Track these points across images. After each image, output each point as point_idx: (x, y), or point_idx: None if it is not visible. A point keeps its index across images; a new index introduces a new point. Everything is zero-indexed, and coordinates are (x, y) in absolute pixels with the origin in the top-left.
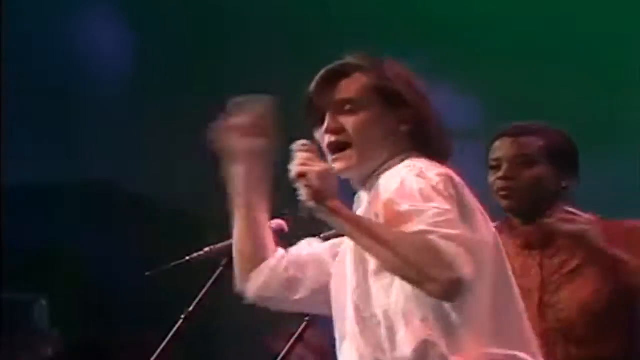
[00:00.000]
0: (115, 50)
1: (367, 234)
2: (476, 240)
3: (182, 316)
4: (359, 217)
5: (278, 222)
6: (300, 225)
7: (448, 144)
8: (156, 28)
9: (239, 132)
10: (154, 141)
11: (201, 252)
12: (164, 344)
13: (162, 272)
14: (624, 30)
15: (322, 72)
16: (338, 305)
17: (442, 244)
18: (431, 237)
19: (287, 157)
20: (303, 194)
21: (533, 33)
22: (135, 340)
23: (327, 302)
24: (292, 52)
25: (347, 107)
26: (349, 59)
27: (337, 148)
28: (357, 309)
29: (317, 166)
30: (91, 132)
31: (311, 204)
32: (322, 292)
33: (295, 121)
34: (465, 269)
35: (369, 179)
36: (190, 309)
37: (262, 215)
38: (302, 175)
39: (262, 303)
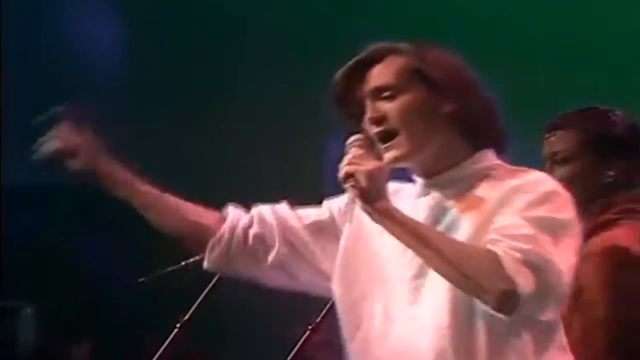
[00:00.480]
0: (110, 47)
1: (422, 240)
2: (549, 259)
3: (178, 325)
4: (414, 220)
5: None
6: None
7: (501, 138)
8: (151, 29)
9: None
10: (149, 141)
11: (197, 257)
12: (159, 352)
13: (157, 277)
14: (635, 29)
15: (351, 63)
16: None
17: (503, 254)
18: (494, 247)
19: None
20: (350, 195)
21: (547, 31)
22: (134, 345)
23: (292, 279)
24: (291, 49)
25: (385, 93)
26: (379, 44)
27: (385, 138)
28: (454, 313)
29: (366, 165)
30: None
31: (360, 205)
32: (286, 267)
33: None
34: (522, 281)
35: (445, 173)
36: (187, 317)
37: (154, 193)
38: (349, 176)
39: (225, 272)
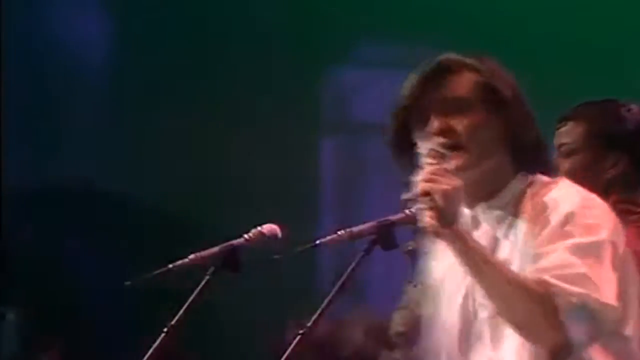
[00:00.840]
0: (97, 45)
1: (489, 271)
2: (604, 302)
3: (164, 330)
4: (483, 249)
5: (270, 227)
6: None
7: (548, 159)
8: (147, 29)
9: None
10: (138, 139)
11: (185, 260)
12: (147, 356)
13: (143, 281)
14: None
15: (425, 69)
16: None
17: (560, 301)
18: (551, 290)
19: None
20: (426, 214)
21: (549, 32)
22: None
23: None
24: (286, 45)
25: (457, 106)
26: (452, 55)
27: (448, 149)
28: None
29: (445, 183)
30: (70, 129)
31: (434, 226)
32: None
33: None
34: (577, 330)
35: (491, 201)
36: (173, 322)
37: None
38: (426, 194)
39: None
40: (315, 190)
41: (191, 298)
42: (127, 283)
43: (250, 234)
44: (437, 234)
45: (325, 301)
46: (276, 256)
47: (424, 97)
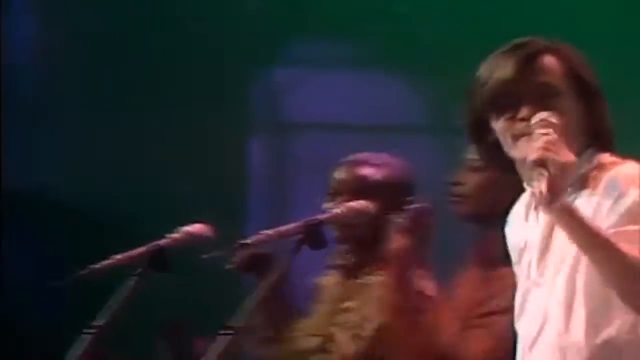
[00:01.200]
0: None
1: (600, 246)
2: None
3: (90, 330)
4: (594, 224)
5: (199, 227)
6: None
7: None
8: (68, 26)
9: None
10: (75, 142)
11: (112, 260)
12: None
13: (68, 283)
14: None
15: (514, 53)
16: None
17: None
18: None
19: None
20: (539, 184)
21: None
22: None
23: None
24: (215, 44)
25: (548, 93)
26: (536, 40)
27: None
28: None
29: (562, 156)
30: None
31: (546, 197)
32: None
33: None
34: None
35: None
36: (100, 322)
37: None
38: (542, 163)
39: None
40: (245, 190)
41: (117, 299)
42: (53, 284)
43: (178, 234)
44: (546, 206)
45: (252, 301)
46: (204, 256)
47: (516, 82)
